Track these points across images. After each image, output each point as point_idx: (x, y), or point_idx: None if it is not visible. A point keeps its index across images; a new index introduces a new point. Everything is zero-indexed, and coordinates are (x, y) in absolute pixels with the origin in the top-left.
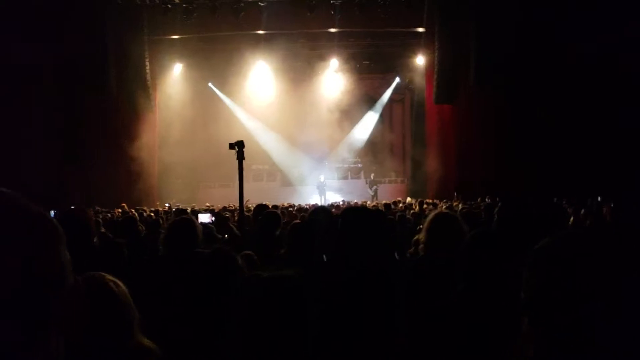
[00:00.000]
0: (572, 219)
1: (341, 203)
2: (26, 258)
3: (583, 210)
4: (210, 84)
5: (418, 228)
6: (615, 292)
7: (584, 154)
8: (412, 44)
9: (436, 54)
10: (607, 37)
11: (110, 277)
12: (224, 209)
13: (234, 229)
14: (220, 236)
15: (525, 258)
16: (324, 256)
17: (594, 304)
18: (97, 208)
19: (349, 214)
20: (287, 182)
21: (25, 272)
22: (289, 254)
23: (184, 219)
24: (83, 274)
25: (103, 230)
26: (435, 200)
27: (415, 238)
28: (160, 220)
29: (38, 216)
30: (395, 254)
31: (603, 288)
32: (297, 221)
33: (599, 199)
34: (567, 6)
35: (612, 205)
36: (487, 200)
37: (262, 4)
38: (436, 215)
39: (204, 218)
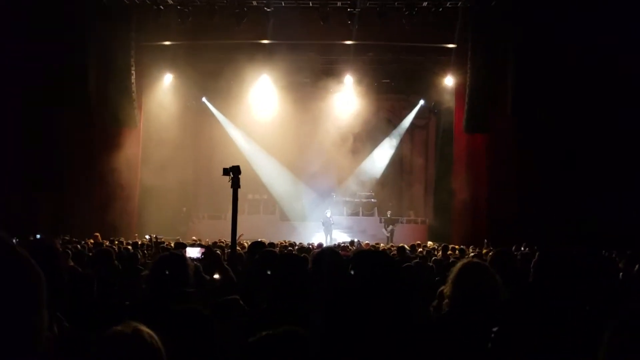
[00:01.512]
0: (621, 274)
1: (356, 242)
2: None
3: (638, 266)
4: (204, 99)
5: (437, 279)
6: None
7: None
8: (441, 61)
9: (468, 75)
10: None
11: (147, 331)
12: (214, 244)
13: (230, 271)
14: (208, 277)
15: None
16: (330, 308)
17: None
18: (66, 237)
19: (361, 259)
20: (287, 217)
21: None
22: (285, 303)
23: (174, 255)
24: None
25: (72, 263)
26: (462, 246)
27: (440, 289)
28: (139, 254)
29: (21, 265)
30: (414, 309)
31: None
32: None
33: None
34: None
35: None
36: (523, 248)
37: (268, 10)
38: (465, 265)
39: (193, 252)
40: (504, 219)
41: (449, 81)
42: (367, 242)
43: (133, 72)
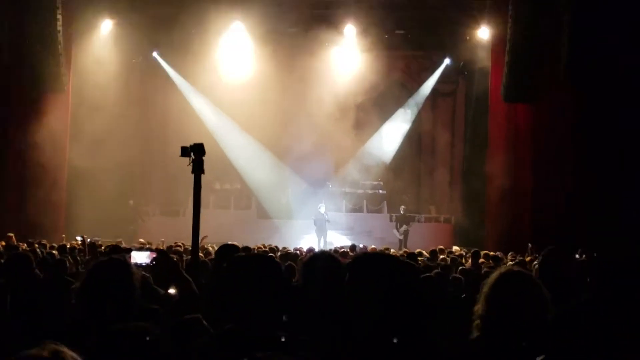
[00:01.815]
0: None
1: (359, 247)
2: None
3: None
4: (155, 54)
5: (463, 296)
6: None
7: None
8: (472, 7)
9: (509, 25)
10: None
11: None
12: (170, 248)
13: (191, 282)
14: (162, 291)
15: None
16: (323, 331)
17: None
18: None
19: (363, 264)
20: (267, 213)
21: None
22: (259, 323)
23: (115, 260)
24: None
25: None
26: (498, 253)
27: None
28: (68, 261)
29: None
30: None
31: None
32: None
33: None
34: None
35: None
36: (578, 255)
37: None
38: (502, 275)
39: (140, 258)
40: (553, 217)
41: (483, 33)
42: (373, 246)
43: (59, 16)
